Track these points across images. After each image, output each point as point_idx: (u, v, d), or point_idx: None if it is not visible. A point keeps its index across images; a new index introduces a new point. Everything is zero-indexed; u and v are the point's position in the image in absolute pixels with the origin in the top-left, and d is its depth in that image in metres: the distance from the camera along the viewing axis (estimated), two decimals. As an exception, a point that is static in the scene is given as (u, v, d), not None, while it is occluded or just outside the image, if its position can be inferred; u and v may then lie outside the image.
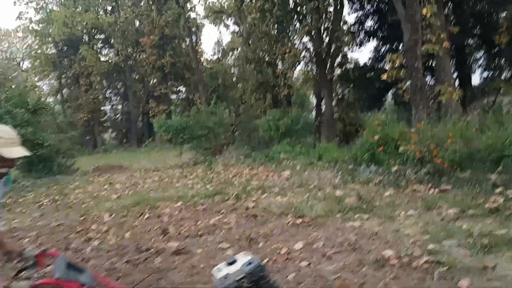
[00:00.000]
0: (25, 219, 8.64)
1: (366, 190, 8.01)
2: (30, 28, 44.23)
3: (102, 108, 46.04)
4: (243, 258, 2.57)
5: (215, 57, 40.20)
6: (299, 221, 6.41)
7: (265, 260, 4.67)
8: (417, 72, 13.03)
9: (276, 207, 7.50)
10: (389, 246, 4.77)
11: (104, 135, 50.46)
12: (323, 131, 22.41)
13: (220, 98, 20.67)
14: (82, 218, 8.11)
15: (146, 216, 7.84)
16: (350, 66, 25.92)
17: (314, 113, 28.00)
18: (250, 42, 28.43)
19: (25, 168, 15.85)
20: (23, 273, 2.33)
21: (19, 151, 2.36)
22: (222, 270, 2.57)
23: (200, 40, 41.70)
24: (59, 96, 45.29)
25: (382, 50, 23.41)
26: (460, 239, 4.83)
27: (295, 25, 23.50)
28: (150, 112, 40.06)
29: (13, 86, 18.70)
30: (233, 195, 8.90)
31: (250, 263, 2.48)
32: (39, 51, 44.72)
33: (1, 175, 2.39)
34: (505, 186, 6.72)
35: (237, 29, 33.54)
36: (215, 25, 34.78)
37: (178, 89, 45.12)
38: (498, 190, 6.66)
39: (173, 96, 45.29)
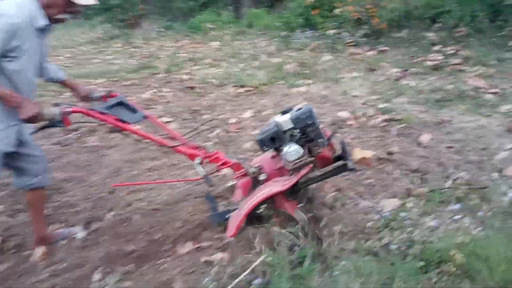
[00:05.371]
0: None
1: (303, 56, 7.69)
2: None
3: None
4: (297, 106, 2.39)
5: None
6: (241, 90, 6.06)
7: (217, 131, 4.33)
8: None
9: (213, 78, 7.00)
10: (342, 108, 4.63)
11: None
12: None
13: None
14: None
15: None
16: None
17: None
18: None
19: None
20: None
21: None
22: (275, 118, 2.42)
23: None
24: None
25: None
26: (411, 97, 4.81)
27: None
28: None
29: None
30: (163, 69, 8.18)
31: (299, 109, 2.32)
32: None
33: (62, 20, 2.25)
34: (442, 43, 6.74)
35: None
36: None
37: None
38: (436, 48, 6.69)
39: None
